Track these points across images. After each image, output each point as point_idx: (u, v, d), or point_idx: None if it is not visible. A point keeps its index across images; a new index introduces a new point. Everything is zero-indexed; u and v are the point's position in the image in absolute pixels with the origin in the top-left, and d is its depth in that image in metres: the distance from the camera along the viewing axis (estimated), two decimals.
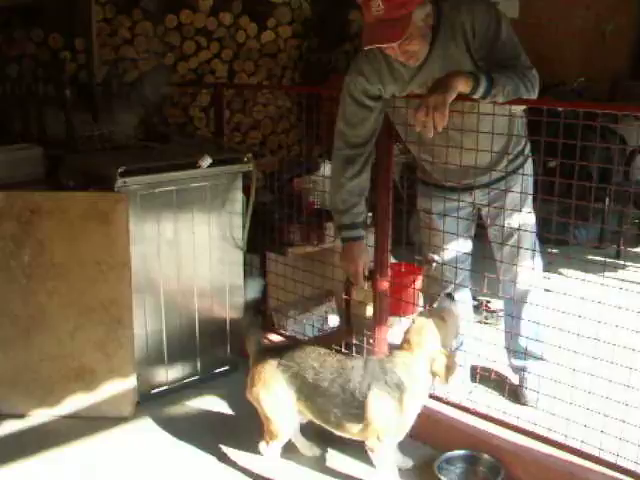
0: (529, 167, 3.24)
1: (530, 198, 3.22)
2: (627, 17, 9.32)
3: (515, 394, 3.43)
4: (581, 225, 5.46)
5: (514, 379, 3.55)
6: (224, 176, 3.65)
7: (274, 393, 2.88)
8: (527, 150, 3.23)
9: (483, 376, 3.34)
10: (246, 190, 3.74)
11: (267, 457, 2.96)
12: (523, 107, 3.02)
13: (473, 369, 3.46)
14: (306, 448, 3.14)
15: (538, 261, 3.31)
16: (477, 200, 3.17)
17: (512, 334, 3.41)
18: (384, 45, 2.73)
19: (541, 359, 3.38)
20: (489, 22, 2.76)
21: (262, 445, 2.96)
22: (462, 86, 2.60)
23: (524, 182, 3.15)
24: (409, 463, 3.03)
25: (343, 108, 3.07)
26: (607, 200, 5.56)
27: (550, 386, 3.04)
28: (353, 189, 3.14)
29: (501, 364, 3.55)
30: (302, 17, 5.90)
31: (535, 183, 3.26)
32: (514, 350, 3.45)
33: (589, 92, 8.24)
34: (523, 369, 3.45)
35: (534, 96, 2.75)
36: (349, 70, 3.05)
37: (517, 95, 2.68)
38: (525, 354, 3.33)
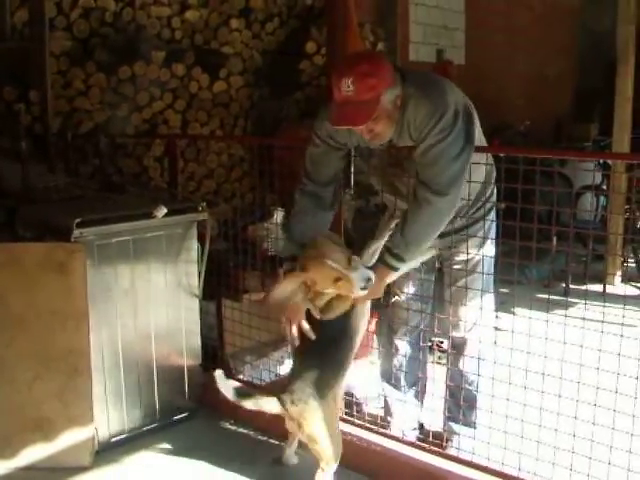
0: (493, 213, 3.23)
1: (488, 242, 3.20)
2: (568, 62, 9.65)
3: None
4: (531, 265, 5.59)
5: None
6: (179, 225, 3.71)
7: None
8: (493, 198, 3.21)
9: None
10: (201, 238, 3.80)
11: None
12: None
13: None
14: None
15: (488, 305, 3.27)
16: (438, 244, 3.14)
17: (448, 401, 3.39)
18: (350, 127, 2.81)
19: (472, 427, 3.32)
20: (427, 124, 2.74)
21: (319, 476, 2.91)
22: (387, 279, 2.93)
23: (487, 226, 3.16)
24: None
25: (310, 147, 3.09)
26: (554, 240, 5.72)
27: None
28: (314, 225, 3.10)
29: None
30: (253, 67, 6.02)
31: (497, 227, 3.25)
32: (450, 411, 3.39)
33: (534, 134, 8.49)
34: (452, 432, 3.37)
35: (445, 217, 2.83)
36: (318, 113, 3.04)
37: (432, 230, 2.85)
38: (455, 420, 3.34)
